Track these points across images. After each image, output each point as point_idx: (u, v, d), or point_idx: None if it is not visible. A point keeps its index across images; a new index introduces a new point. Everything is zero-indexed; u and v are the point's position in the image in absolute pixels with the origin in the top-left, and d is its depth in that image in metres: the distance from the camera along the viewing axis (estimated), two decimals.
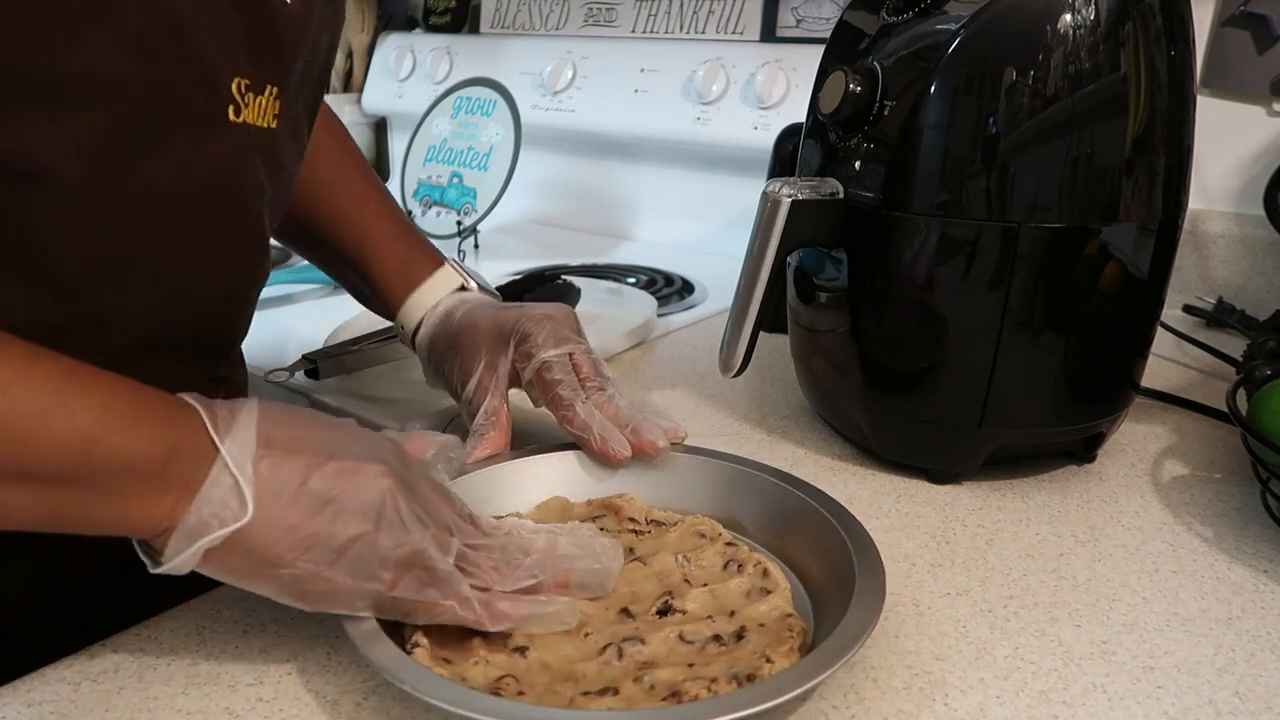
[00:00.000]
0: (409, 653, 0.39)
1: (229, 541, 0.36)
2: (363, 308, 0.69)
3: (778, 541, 0.50)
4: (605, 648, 0.42)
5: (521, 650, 0.41)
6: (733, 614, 0.44)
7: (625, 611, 0.44)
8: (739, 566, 0.47)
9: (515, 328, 0.55)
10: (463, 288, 0.63)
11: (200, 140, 0.42)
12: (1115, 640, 0.45)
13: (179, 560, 0.36)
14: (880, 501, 0.58)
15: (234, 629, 0.44)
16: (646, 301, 0.96)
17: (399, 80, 1.54)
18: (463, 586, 0.40)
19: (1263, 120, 0.97)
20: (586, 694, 0.38)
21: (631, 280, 1.10)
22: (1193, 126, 0.57)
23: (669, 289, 1.07)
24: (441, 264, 0.64)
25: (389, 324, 0.67)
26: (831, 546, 0.46)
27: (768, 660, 0.39)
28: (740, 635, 0.42)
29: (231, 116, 0.43)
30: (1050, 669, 0.43)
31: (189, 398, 0.38)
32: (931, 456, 0.60)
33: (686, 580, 0.47)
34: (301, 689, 0.41)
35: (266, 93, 0.45)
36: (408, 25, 1.64)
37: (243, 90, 0.43)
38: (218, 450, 0.36)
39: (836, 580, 0.44)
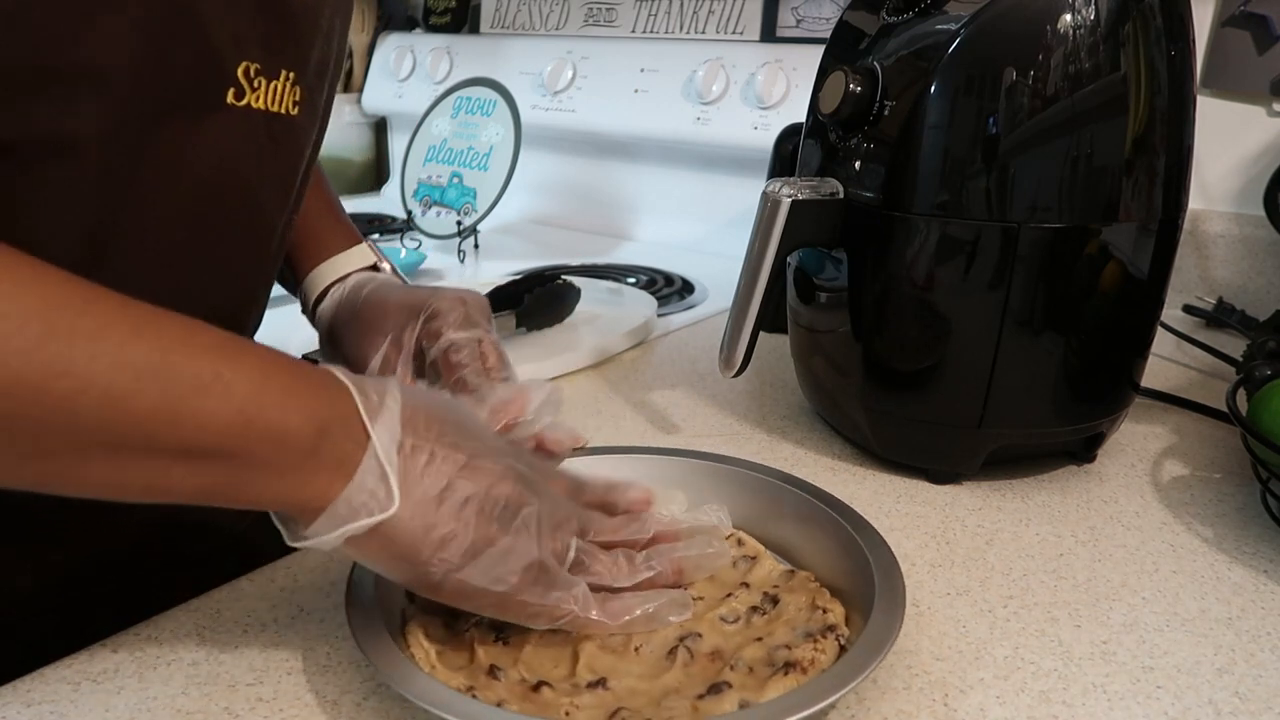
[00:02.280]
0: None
1: (373, 530, 0.36)
2: None
3: (785, 544, 0.50)
4: (671, 651, 0.41)
5: (602, 683, 0.40)
6: (744, 585, 0.46)
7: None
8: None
9: (426, 305, 0.53)
10: (375, 267, 0.61)
11: (197, 124, 0.41)
12: (1115, 640, 0.45)
13: (322, 540, 0.36)
14: (880, 501, 0.58)
15: (234, 629, 0.44)
16: (646, 301, 0.96)
17: (399, 80, 1.54)
18: (581, 589, 0.41)
19: (1263, 120, 0.97)
20: (701, 697, 0.38)
21: (631, 280, 1.10)
22: (1193, 126, 0.57)
23: (669, 289, 1.07)
24: (358, 241, 0.62)
25: None
26: (843, 549, 0.46)
27: (829, 627, 0.41)
28: (774, 600, 0.44)
29: (231, 100, 0.42)
30: (1050, 669, 0.43)
31: (339, 373, 0.37)
32: (931, 456, 0.60)
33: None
34: (301, 689, 0.41)
35: (282, 78, 0.44)
36: (408, 25, 1.64)
37: (251, 75, 0.42)
38: (369, 435, 0.36)
39: (849, 581, 0.45)
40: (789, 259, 0.62)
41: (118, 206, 0.40)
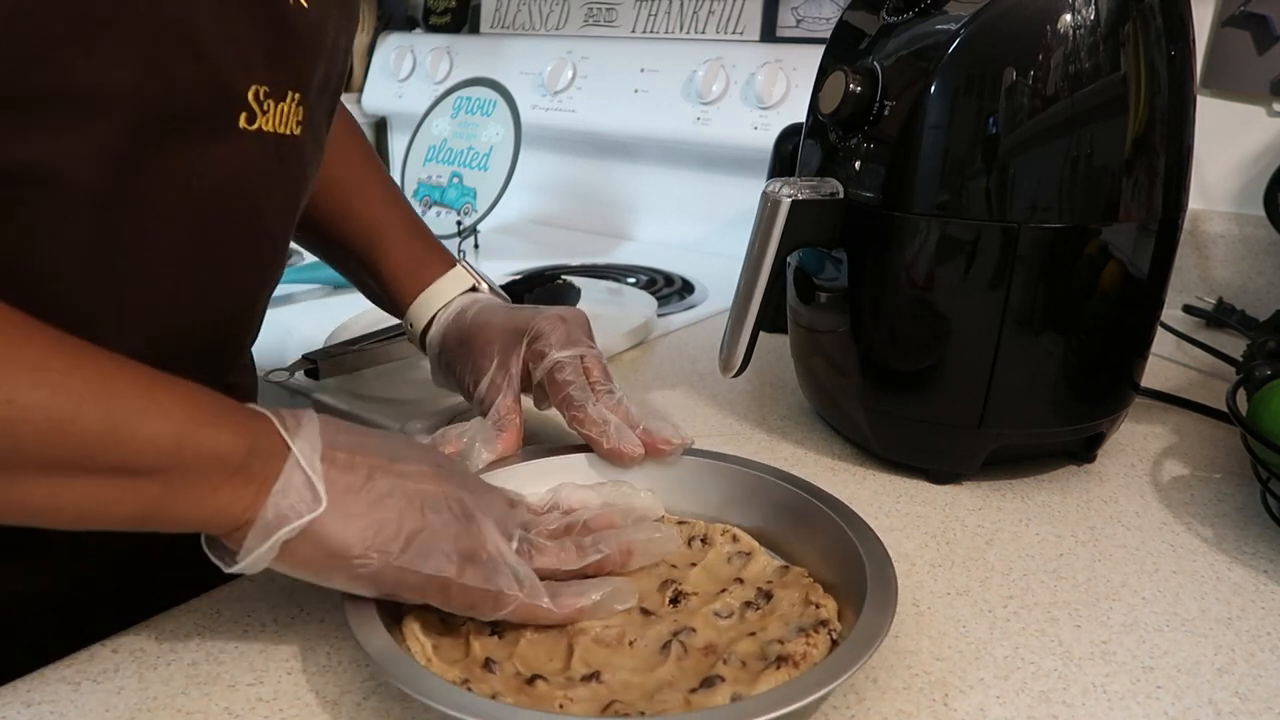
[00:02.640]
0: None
1: (304, 534, 0.37)
2: (363, 308, 0.69)
3: (781, 541, 0.50)
4: (665, 646, 0.42)
5: (596, 676, 0.40)
6: (738, 580, 0.46)
7: (645, 611, 0.44)
8: (703, 541, 0.49)
9: (529, 326, 0.55)
10: (474, 288, 0.63)
11: (207, 148, 0.42)
12: (1115, 640, 0.45)
13: (256, 555, 0.37)
14: (880, 501, 0.58)
15: (234, 629, 0.44)
16: (646, 301, 0.96)
17: (399, 80, 1.54)
18: (528, 578, 0.41)
19: (1263, 120, 0.97)
20: (694, 691, 0.38)
21: (631, 280, 1.10)
22: (1193, 126, 0.57)
23: (669, 289, 1.07)
24: (454, 264, 0.64)
25: (389, 324, 0.66)
26: (838, 546, 0.46)
27: (822, 621, 0.42)
28: (768, 595, 0.45)
29: (242, 124, 0.42)
30: (1050, 669, 0.43)
31: (256, 406, 0.39)
32: (931, 456, 0.60)
33: (673, 566, 0.48)
34: (301, 689, 0.41)
35: (289, 99, 0.45)
36: (408, 25, 1.64)
37: (260, 98, 0.43)
38: (289, 449, 0.38)
39: (843, 578, 0.45)
40: (789, 259, 0.62)
41: (120, 229, 0.41)
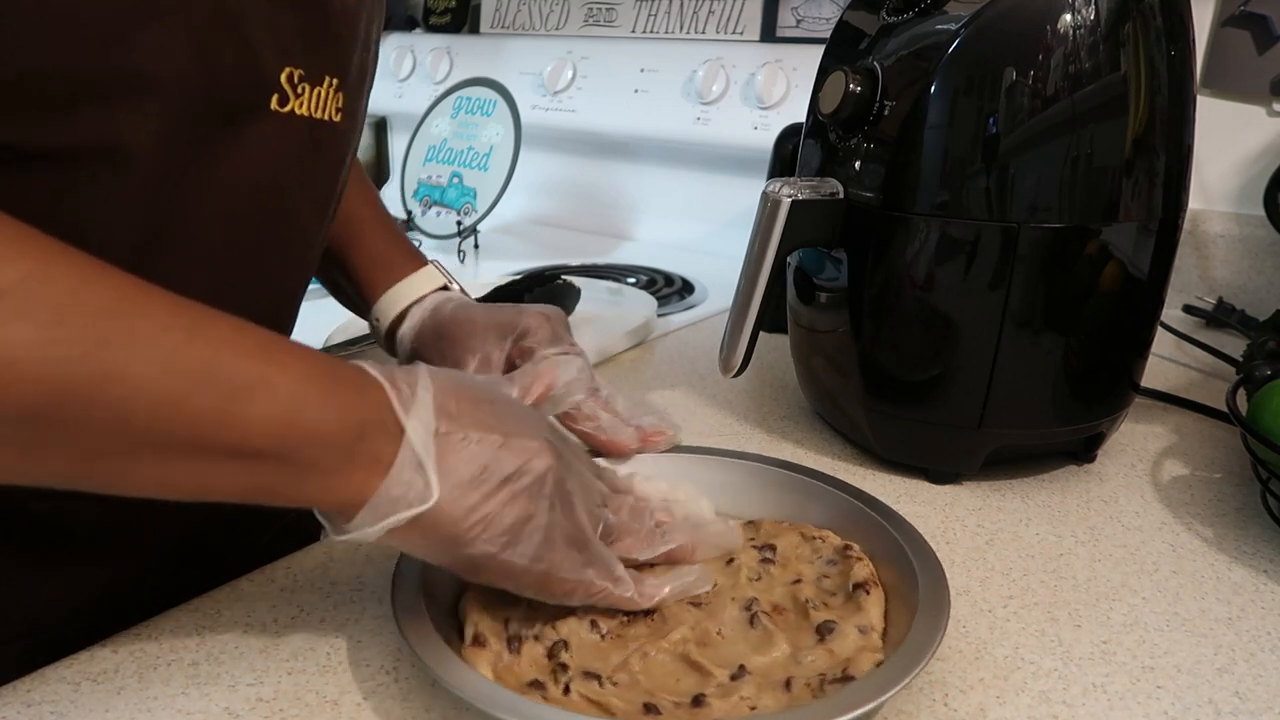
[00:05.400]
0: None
1: (413, 520, 0.37)
2: None
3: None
4: (753, 619, 0.43)
5: (741, 670, 0.40)
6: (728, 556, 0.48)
7: (693, 604, 0.45)
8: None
9: (515, 323, 0.55)
10: (445, 287, 0.62)
11: (242, 129, 0.41)
12: (1115, 640, 0.45)
13: (364, 533, 0.37)
14: None
15: (234, 629, 0.44)
16: (646, 301, 0.96)
17: (399, 80, 1.54)
18: (617, 566, 0.42)
19: (1263, 120, 0.97)
20: (823, 640, 0.41)
21: (631, 280, 1.10)
22: (1193, 126, 0.57)
23: (669, 289, 1.07)
24: (426, 263, 0.63)
25: None
26: (889, 552, 0.47)
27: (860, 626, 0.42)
28: (771, 548, 0.48)
29: (275, 106, 0.42)
30: (1050, 669, 0.43)
31: (370, 368, 0.38)
32: (931, 456, 0.60)
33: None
34: (301, 689, 0.41)
35: (325, 84, 0.44)
36: (408, 25, 1.64)
37: (295, 81, 0.42)
38: (402, 428, 0.36)
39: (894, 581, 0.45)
40: (789, 259, 0.62)
41: (164, 213, 0.40)
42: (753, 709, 0.38)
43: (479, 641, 0.41)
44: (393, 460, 0.36)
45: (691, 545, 0.46)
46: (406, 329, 0.60)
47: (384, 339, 0.62)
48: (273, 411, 0.34)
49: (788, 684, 0.39)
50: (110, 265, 0.32)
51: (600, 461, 0.51)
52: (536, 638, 0.41)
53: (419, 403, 0.37)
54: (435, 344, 0.58)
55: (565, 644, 0.41)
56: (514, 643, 0.41)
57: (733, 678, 0.39)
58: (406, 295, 0.61)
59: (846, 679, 0.38)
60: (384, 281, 0.62)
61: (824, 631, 0.41)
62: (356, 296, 0.64)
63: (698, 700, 0.38)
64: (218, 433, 0.33)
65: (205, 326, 0.33)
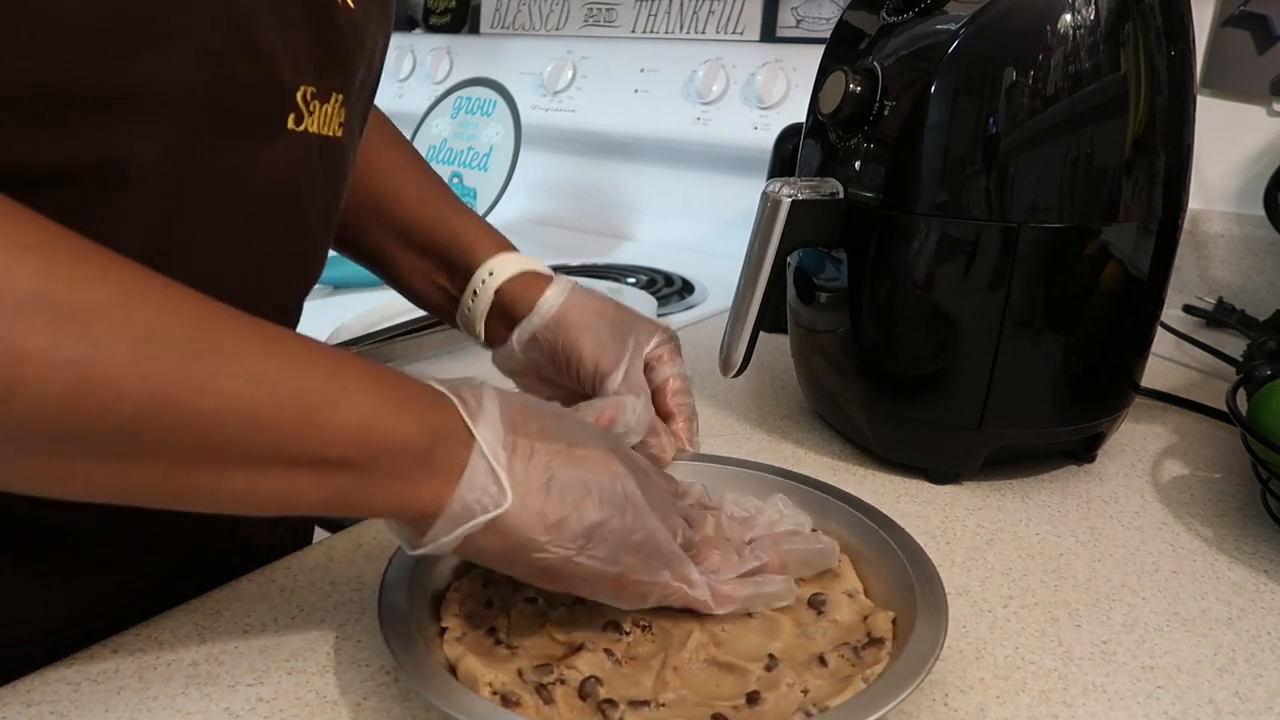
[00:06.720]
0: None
1: (488, 526, 0.37)
2: (363, 308, 0.68)
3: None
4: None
5: (770, 658, 0.41)
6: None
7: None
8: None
9: (665, 336, 0.55)
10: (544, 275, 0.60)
11: (257, 150, 0.41)
12: (1115, 640, 0.45)
13: (441, 543, 0.37)
14: (880, 501, 0.58)
15: (234, 629, 0.44)
16: (646, 301, 0.96)
17: (399, 80, 1.54)
18: (690, 569, 0.42)
19: (1263, 120, 0.97)
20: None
21: (631, 280, 1.10)
22: (1193, 126, 0.57)
23: (669, 289, 1.07)
24: (509, 246, 0.61)
25: (387, 325, 0.65)
26: (883, 558, 0.47)
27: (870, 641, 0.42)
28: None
29: (291, 125, 0.42)
30: (1050, 669, 0.43)
31: (437, 384, 0.39)
32: (931, 456, 0.60)
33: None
34: (302, 689, 0.41)
35: (332, 101, 0.45)
36: (408, 25, 1.64)
37: (308, 99, 0.43)
38: (473, 436, 0.37)
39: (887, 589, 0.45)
40: (789, 259, 0.62)
41: (170, 231, 0.40)
42: (805, 693, 0.38)
43: (511, 701, 0.39)
44: (466, 466, 0.37)
45: (780, 563, 0.46)
46: (548, 302, 0.56)
47: (471, 313, 0.59)
48: (353, 421, 0.34)
49: (822, 660, 0.39)
50: (180, 282, 0.33)
51: (690, 482, 0.50)
52: (562, 681, 0.40)
53: (486, 413, 0.38)
54: (581, 326, 0.56)
55: (597, 679, 0.40)
56: (543, 691, 0.39)
57: (767, 668, 0.40)
58: (531, 265, 0.58)
59: (876, 641, 0.40)
60: (492, 248, 0.59)
61: (817, 604, 0.43)
62: (458, 267, 0.59)
63: (752, 698, 0.38)
64: (301, 443, 0.33)
65: (279, 342, 0.34)
